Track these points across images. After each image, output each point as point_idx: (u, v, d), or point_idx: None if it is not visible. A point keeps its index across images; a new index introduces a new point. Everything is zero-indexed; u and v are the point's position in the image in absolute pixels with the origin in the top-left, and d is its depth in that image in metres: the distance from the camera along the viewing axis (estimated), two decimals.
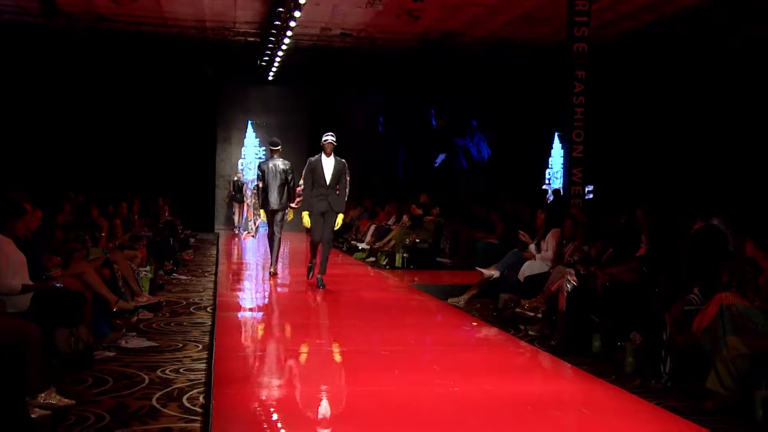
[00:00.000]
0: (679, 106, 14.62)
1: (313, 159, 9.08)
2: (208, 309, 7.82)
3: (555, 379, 5.56)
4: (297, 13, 12.43)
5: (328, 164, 8.95)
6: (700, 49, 13.77)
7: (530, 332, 6.81)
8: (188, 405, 4.49)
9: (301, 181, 9.17)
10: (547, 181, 20.54)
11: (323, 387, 4.97)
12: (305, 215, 9.06)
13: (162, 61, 17.29)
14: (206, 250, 14.71)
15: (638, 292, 5.82)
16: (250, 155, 20.15)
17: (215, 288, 9.26)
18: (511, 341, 6.50)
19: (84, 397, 4.58)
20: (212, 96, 19.03)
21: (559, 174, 19.75)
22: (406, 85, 18.83)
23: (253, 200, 10.64)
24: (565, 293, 6.39)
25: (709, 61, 13.84)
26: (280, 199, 10.03)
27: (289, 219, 10.40)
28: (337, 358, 5.98)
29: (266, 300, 9.31)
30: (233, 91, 19.71)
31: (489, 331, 6.92)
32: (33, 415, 4.13)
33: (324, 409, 4.57)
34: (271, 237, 10.31)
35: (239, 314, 7.90)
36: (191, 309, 7.86)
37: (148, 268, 8.53)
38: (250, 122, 20.08)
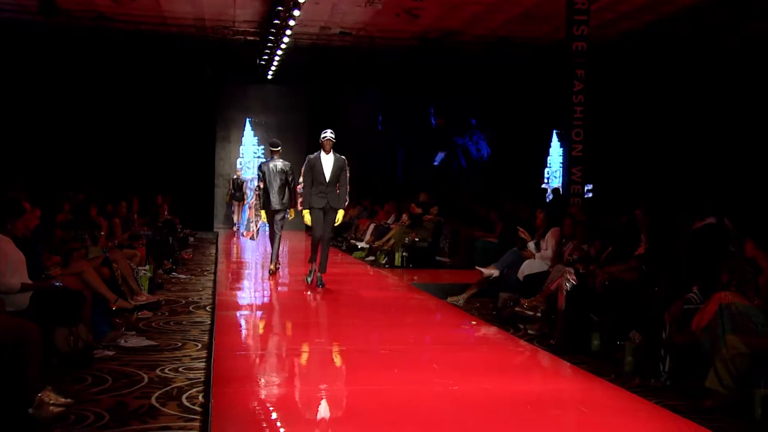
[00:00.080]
0: (679, 105, 14.63)
1: (312, 156, 9.05)
2: (208, 308, 7.81)
3: (554, 378, 5.56)
4: (296, 12, 12.42)
5: (328, 161, 8.92)
6: (700, 48, 13.78)
7: (529, 331, 6.81)
8: (187, 404, 4.49)
9: (301, 179, 9.12)
10: (546, 180, 20.55)
11: (322, 386, 4.97)
12: (306, 213, 9.03)
13: (161, 60, 17.28)
14: (205, 249, 14.71)
15: (637, 291, 5.82)
16: (248, 154, 20.14)
17: (214, 287, 9.26)
18: (511, 340, 6.50)
19: (83, 396, 4.57)
20: (211, 95, 19.02)
21: (558, 173, 19.76)
22: (406, 84, 18.83)
23: (255, 201, 10.65)
24: (565, 292, 6.38)
25: (708, 61, 13.85)
26: (281, 200, 10.09)
27: (290, 218, 10.44)
28: (337, 357, 5.98)
29: (265, 299, 9.31)
30: (232, 90, 19.71)
31: (488, 330, 6.92)
32: (32, 414, 4.13)
33: (323, 408, 4.57)
34: (272, 236, 10.37)
35: (238, 313, 7.91)
36: (190, 308, 7.86)
37: (147, 267, 8.52)
38: (248, 120, 20.06)
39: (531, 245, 8.06)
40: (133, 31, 15.22)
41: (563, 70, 10.61)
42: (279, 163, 10.18)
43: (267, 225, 10.64)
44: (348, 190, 9.12)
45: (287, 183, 10.11)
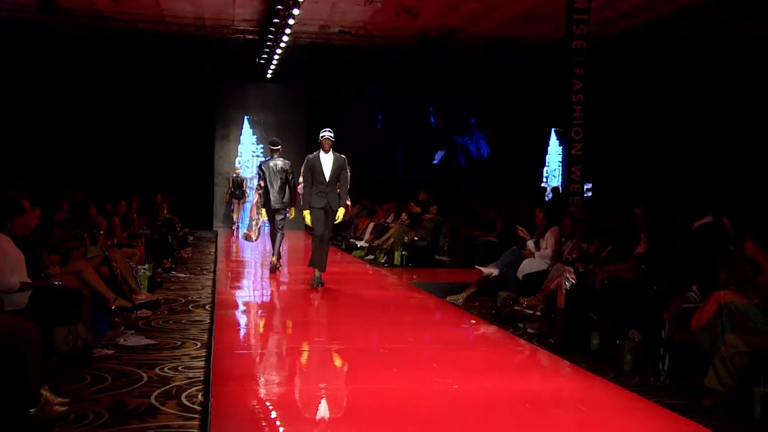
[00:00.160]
0: (678, 104, 14.62)
1: (311, 156, 8.99)
2: (207, 307, 7.81)
3: (554, 377, 5.57)
4: (296, 11, 12.42)
5: (327, 161, 8.85)
6: (699, 47, 13.77)
7: (529, 330, 6.81)
8: (187, 403, 4.49)
9: (301, 179, 9.06)
10: (544, 180, 20.55)
11: (322, 385, 4.97)
12: (306, 213, 8.97)
13: (160, 59, 17.27)
14: (205, 247, 14.70)
15: (637, 289, 5.82)
16: (247, 152, 20.11)
17: (214, 286, 9.26)
18: (510, 339, 6.50)
19: (82, 395, 4.58)
20: (211, 94, 19.00)
21: (557, 172, 19.76)
22: (405, 83, 18.82)
23: (257, 199, 10.69)
24: (564, 291, 6.38)
25: (708, 59, 13.84)
26: (282, 199, 10.17)
27: (290, 217, 10.49)
28: (336, 356, 5.98)
29: (265, 298, 9.31)
30: (232, 89, 19.69)
31: (488, 329, 6.92)
32: (33, 414, 4.13)
33: (322, 406, 4.57)
34: (273, 235, 10.44)
35: (238, 312, 7.91)
36: (190, 307, 7.86)
37: (146, 265, 8.52)
38: (246, 118, 20.02)
39: (530, 244, 8.06)
40: (132, 30, 15.22)
41: (563, 69, 10.60)
42: (279, 162, 10.24)
43: (267, 224, 10.67)
44: (348, 188, 9.06)
45: (287, 182, 10.16)
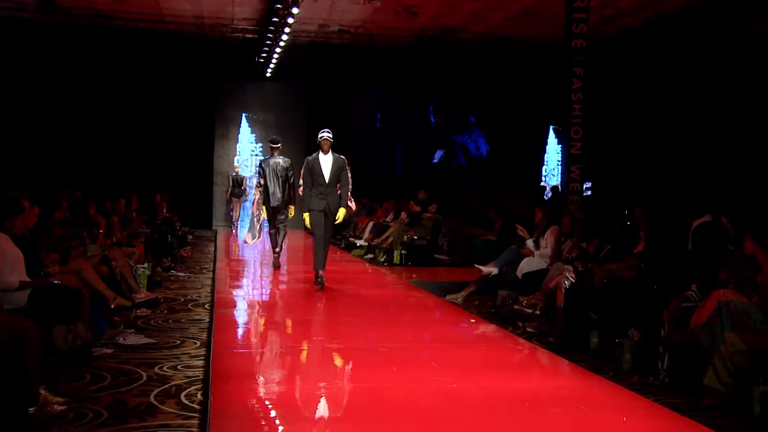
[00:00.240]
0: (678, 102, 14.62)
1: (310, 158, 8.86)
2: (206, 306, 7.81)
3: (553, 376, 5.57)
4: (295, 10, 12.41)
5: (326, 162, 8.72)
6: (699, 45, 13.77)
7: (528, 329, 6.81)
8: (186, 402, 4.49)
9: (301, 181, 8.95)
10: (543, 178, 20.54)
11: (321, 384, 4.97)
12: (306, 216, 8.85)
13: (159, 58, 17.25)
14: (204, 246, 14.70)
15: (636, 288, 5.83)
16: (245, 151, 20.08)
17: (213, 285, 9.26)
18: (509, 338, 6.50)
19: (81, 394, 4.58)
20: (210, 93, 18.99)
21: (556, 171, 19.76)
22: (405, 82, 18.81)
23: (257, 196, 10.74)
24: (563, 290, 6.39)
25: (707, 58, 13.84)
26: (282, 197, 10.20)
27: (290, 216, 10.52)
28: (335, 355, 5.98)
29: (264, 297, 9.31)
30: (231, 88, 19.67)
31: (487, 328, 6.92)
32: (32, 413, 4.13)
33: (322, 405, 4.57)
34: (273, 234, 10.47)
35: (237, 311, 7.91)
36: (189, 306, 7.86)
37: (145, 264, 8.52)
38: (244, 116, 19.97)
39: (530, 243, 8.06)
40: (131, 29, 15.20)
41: (562, 68, 10.60)
42: (279, 160, 10.30)
43: (267, 223, 10.69)
44: (350, 189, 8.94)
45: (287, 180, 10.21)
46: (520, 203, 11.66)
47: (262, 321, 7.57)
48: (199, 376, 5.04)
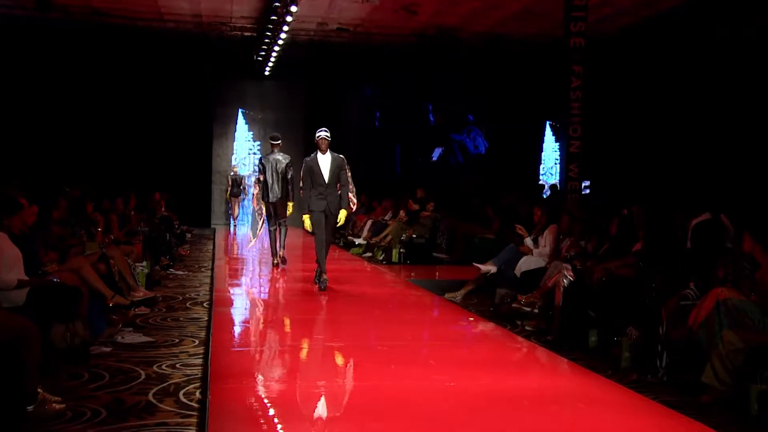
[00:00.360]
0: (677, 101, 14.62)
1: (309, 158, 8.69)
2: (205, 304, 7.81)
3: (551, 374, 5.57)
4: (293, 8, 12.41)
5: (325, 161, 8.56)
6: (698, 43, 13.77)
7: (527, 327, 6.81)
8: (185, 400, 4.49)
9: (301, 183, 8.77)
10: (540, 177, 20.55)
11: (320, 382, 4.97)
12: (306, 218, 8.72)
13: (158, 56, 17.24)
14: (203, 245, 14.71)
15: (634, 287, 5.83)
16: (241, 148, 20.02)
17: (212, 283, 9.26)
18: (508, 336, 6.51)
19: (80, 393, 4.57)
20: (208, 91, 18.99)
21: (554, 170, 19.76)
22: (404, 81, 18.81)
23: (256, 190, 10.77)
24: (562, 288, 6.39)
25: (706, 56, 13.84)
26: (281, 193, 10.23)
27: (289, 213, 10.54)
28: (334, 353, 5.98)
29: (263, 295, 9.31)
30: (229, 86, 19.68)
31: (485, 326, 6.92)
32: (31, 412, 4.12)
33: (320, 404, 4.57)
34: (273, 233, 10.48)
35: (236, 309, 7.91)
36: (188, 304, 7.86)
37: (144, 263, 8.51)
38: (241, 112, 19.90)
39: (528, 241, 8.06)
40: (129, 27, 15.19)
41: (561, 66, 10.60)
42: (279, 157, 10.35)
43: (267, 220, 10.69)
44: (352, 189, 8.76)
45: (286, 176, 10.26)
46: (518, 201, 11.66)
47: (260, 319, 7.57)
48: (197, 375, 5.04)
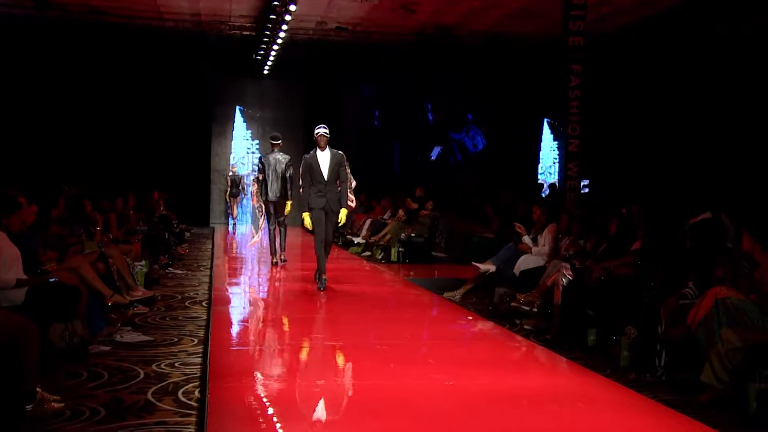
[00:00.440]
0: (676, 100, 14.62)
1: (308, 156, 8.61)
2: (204, 303, 7.81)
3: (550, 373, 5.57)
4: (292, 7, 12.40)
5: (324, 158, 8.49)
6: (697, 42, 13.77)
7: (526, 326, 6.81)
8: (183, 399, 4.49)
9: (300, 181, 8.70)
10: (539, 176, 20.55)
11: (319, 381, 4.97)
12: (306, 215, 8.65)
13: (157, 55, 17.23)
14: (201, 244, 14.70)
15: (633, 286, 5.83)
16: (240, 148, 19.97)
17: (210, 282, 9.26)
18: (507, 335, 6.51)
19: (79, 392, 4.57)
20: (207, 90, 18.97)
21: (553, 169, 19.76)
22: (402, 79, 18.81)
23: (255, 188, 10.78)
24: (561, 287, 6.39)
25: (705, 55, 13.84)
26: (280, 192, 10.26)
27: (287, 212, 10.55)
28: (333, 352, 5.98)
29: (261, 294, 9.31)
30: (228, 85, 19.66)
31: (484, 325, 6.92)
32: (30, 411, 4.12)
33: (319, 403, 4.57)
34: (272, 232, 10.49)
35: (234, 308, 7.90)
36: (186, 303, 7.85)
37: (143, 262, 8.51)
38: (238, 108, 19.85)
39: (526, 239, 8.05)
40: (128, 26, 15.18)
41: (560, 65, 10.60)
42: (279, 156, 10.39)
43: (267, 219, 10.70)
44: (352, 186, 8.70)
45: (285, 175, 10.29)
46: (517, 200, 11.67)
47: (259, 318, 7.57)
48: (196, 374, 5.04)
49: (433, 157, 20.39)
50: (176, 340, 6.07)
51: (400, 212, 13.06)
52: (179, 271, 10.36)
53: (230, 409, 4.20)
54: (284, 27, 13.70)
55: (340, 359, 5.76)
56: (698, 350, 4.80)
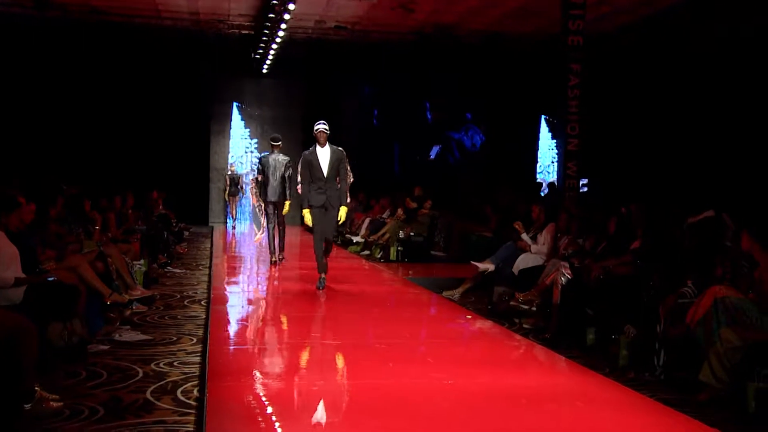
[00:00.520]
0: (675, 99, 14.62)
1: (307, 152, 8.47)
2: (203, 302, 7.81)
3: (549, 372, 5.57)
4: (291, 6, 12.40)
5: (324, 155, 8.34)
6: (696, 42, 13.77)
7: (525, 325, 6.82)
8: (182, 398, 4.49)
9: (299, 178, 8.55)
10: (537, 176, 20.54)
11: (318, 380, 4.97)
12: (306, 212, 8.50)
13: (155, 54, 17.22)
14: (200, 243, 14.69)
15: (632, 285, 5.83)
16: (238, 147, 19.93)
17: (209, 281, 9.26)
18: (506, 334, 6.51)
19: (77, 391, 4.57)
20: (206, 89, 18.96)
21: (552, 168, 19.75)
22: (401, 79, 18.80)
23: (253, 186, 10.81)
24: (560, 286, 6.40)
25: (705, 54, 13.84)
26: (279, 193, 10.27)
27: (285, 211, 10.55)
28: (332, 351, 5.97)
29: (261, 293, 9.30)
30: (227, 84, 19.64)
31: (483, 324, 6.92)
32: (28, 410, 4.12)
33: (318, 402, 4.57)
34: (271, 230, 10.51)
35: (233, 307, 7.90)
36: (185, 302, 7.85)
37: (142, 261, 8.50)
38: (236, 105, 19.80)
39: (525, 236, 8.06)
40: (127, 25, 15.17)
41: (559, 64, 10.60)
42: (279, 157, 10.40)
43: (267, 218, 10.70)
44: (351, 181, 8.52)
45: (284, 176, 10.30)
46: (517, 199, 11.67)
47: (258, 317, 7.56)
48: (195, 373, 5.03)
49: (432, 156, 20.39)
50: (175, 339, 6.07)
51: (399, 211, 13.06)
52: (178, 270, 10.35)
53: (229, 408, 4.20)
54: (283, 26, 13.69)
55: (339, 358, 5.76)
56: (697, 349, 4.81)
